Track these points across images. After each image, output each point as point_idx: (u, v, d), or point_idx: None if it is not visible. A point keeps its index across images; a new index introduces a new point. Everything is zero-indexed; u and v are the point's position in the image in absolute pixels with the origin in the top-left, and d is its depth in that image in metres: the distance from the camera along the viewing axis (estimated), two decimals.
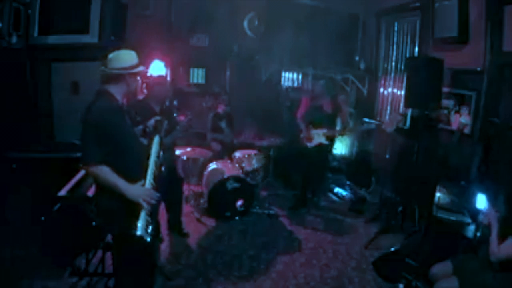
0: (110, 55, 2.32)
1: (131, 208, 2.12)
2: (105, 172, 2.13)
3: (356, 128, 5.47)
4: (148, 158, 2.30)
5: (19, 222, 3.48)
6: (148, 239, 2.07)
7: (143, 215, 2.12)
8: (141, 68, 2.39)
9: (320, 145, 4.66)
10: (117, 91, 2.31)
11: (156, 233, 3.14)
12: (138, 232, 2.04)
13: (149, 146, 2.38)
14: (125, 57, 2.34)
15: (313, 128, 4.66)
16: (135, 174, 2.21)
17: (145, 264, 2.40)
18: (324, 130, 4.62)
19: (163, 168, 2.45)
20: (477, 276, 2.43)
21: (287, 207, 4.92)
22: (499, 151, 3.60)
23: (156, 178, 2.28)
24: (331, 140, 4.83)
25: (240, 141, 5.36)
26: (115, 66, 2.29)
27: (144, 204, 2.14)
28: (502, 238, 2.40)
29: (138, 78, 2.45)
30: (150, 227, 2.13)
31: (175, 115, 3.65)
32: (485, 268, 2.43)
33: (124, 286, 2.38)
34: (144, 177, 2.23)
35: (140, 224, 2.07)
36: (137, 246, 2.12)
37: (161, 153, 2.41)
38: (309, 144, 4.68)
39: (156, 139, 2.45)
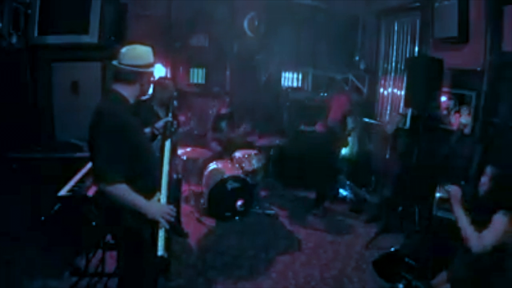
0: (124, 49, 2.05)
1: None
2: (124, 191, 1.92)
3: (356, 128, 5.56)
4: (161, 165, 2.12)
5: (19, 222, 3.48)
6: (166, 255, 1.94)
7: (161, 234, 1.96)
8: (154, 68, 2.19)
9: None
10: (130, 93, 2.07)
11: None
12: (159, 253, 1.91)
13: (161, 152, 2.20)
14: (142, 53, 2.09)
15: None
16: (150, 186, 2.07)
17: (151, 258, 2.20)
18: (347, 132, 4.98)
19: (174, 176, 2.32)
20: (467, 283, 2.36)
21: (288, 207, 4.92)
22: (499, 151, 3.60)
23: (169, 188, 2.13)
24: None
25: (239, 140, 5.34)
26: (131, 63, 2.03)
27: (164, 223, 1.99)
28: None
29: (152, 78, 2.21)
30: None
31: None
32: (471, 272, 2.31)
33: (130, 282, 2.24)
34: (159, 189, 2.07)
35: (160, 244, 1.93)
36: (143, 242, 2.03)
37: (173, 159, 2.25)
38: (343, 150, 5.06)
39: (168, 144, 2.26)
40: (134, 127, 2.07)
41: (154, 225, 2.02)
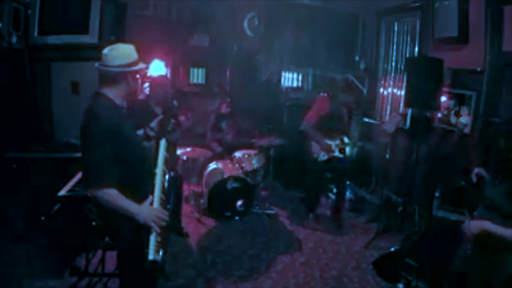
0: (105, 50, 2.02)
1: None
2: (113, 195, 1.90)
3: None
4: (154, 166, 2.06)
5: (19, 222, 3.48)
6: (159, 259, 1.89)
7: (152, 238, 1.91)
8: (141, 66, 2.12)
9: (332, 159, 4.20)
10: (116, 93, 2.05)
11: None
12: (150, 257, 1.86)
13: (156, 152, 2.13)
14: (123, 52, 2.05)
15: (328, 138, 4.16)
16: (141, 188, 2.03)
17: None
18: (337, 142, 4.22)
19: (172, 174, 2.24)
20: None
21: (288, 207, 4.92)
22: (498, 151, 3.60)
23: (164, 190, 2.06)
24: (343, 153, 4.28)
25: (240, 141, 5.35)
26: (113, 64, 2.00)
27: (155, 227, 1.94)
28: None
29: (138, 76, 2.17)
30: (161, 251, 1.92)
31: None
32: None
33: (129, 282, 2.23)
34: (152, 192, 2.01)
35: (151, 248, 1.88)
36: (140, 243, 1.98)
37: (168, 157, 2.14)
38: (321, 157, 4.15)
39: (163, 143, 2.18)
40: (124, 130, 2.02)
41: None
